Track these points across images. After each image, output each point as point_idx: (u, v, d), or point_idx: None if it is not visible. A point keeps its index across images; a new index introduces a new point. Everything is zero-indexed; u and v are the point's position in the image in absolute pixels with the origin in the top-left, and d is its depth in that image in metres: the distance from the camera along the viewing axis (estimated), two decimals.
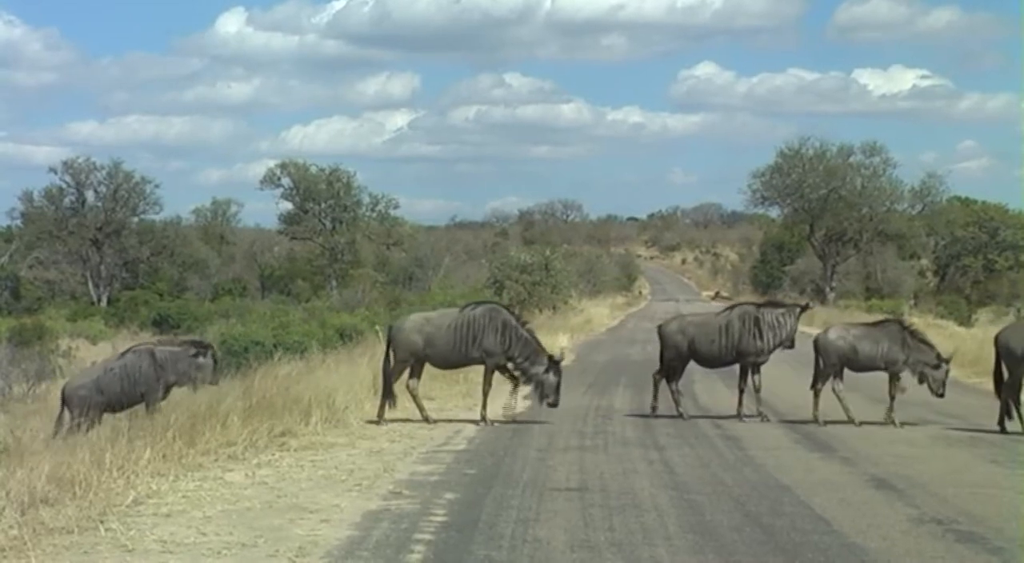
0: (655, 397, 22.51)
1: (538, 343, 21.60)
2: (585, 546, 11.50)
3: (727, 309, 22.96)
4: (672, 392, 22.36)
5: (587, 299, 78.66)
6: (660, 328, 22.95)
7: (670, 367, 22.49)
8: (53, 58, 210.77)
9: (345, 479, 15.21)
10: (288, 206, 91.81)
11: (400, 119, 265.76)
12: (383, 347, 22.79)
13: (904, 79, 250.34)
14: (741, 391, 22.01)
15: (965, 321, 61.24)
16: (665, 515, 13.01)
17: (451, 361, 21.88)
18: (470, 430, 20.44)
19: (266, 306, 67.14)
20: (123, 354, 20.77)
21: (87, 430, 18.47)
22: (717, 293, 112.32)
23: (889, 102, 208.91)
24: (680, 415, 21.80)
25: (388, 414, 21.29)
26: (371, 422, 20.95)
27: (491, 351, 21.28)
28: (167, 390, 20.10)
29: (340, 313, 54.39)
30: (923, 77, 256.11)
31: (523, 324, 21.69)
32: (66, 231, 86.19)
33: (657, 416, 21.84)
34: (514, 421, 21.61)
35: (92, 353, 44.46)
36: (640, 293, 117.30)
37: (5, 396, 32.65)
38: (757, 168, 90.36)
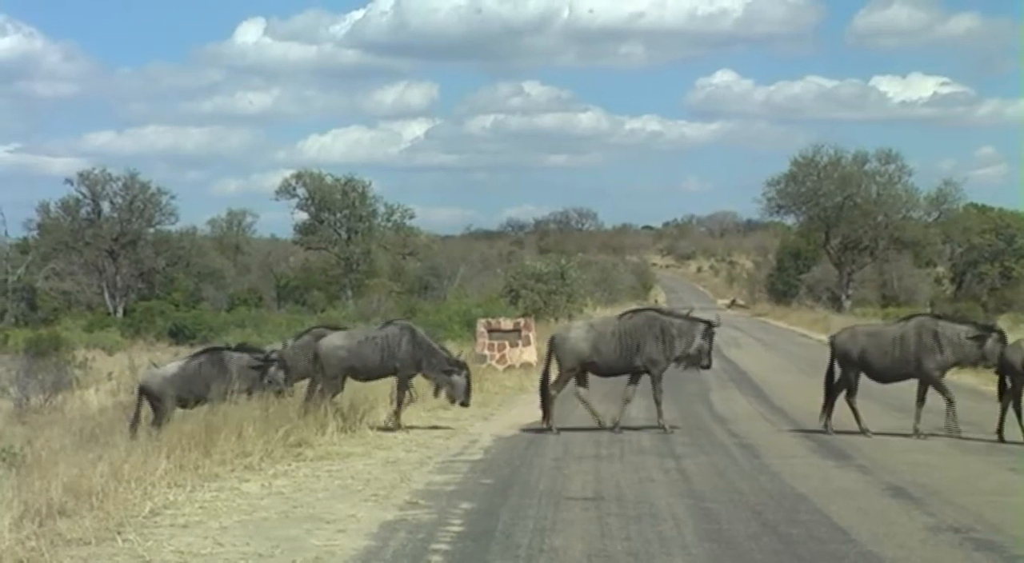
0: (829, 414, 21.10)
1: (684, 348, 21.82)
2: (602, 555, 11.49)
3: (903, 319, 21.77)
4: (851, 406, 20.98)
5: (602, 308, 78.44)
6: (832, 339, 21.88)
7: (843, 380, 21.15)
8: (71, 69, 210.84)
9: (361, 489, 15.22)
10: (303, 216, 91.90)
11: (417, 128, 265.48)
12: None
13: (924, 86, 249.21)
14: (921, 403, 20.59)
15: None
16: (682, 524, 13.00)
17: (615, 369, 22.03)
18: (486, 440, 20.44)
19: (282, 316, 67.24)
20: (197, 355, 21.80)
21: (164, 422, 19.68)
22: (733, 301, 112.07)
23: (908, 109, 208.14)
24: (863, 432, 20.50)
25: (405, 421, 21.41)
26: (541, 429, 21.32)
27: (655, 359, 21.47)
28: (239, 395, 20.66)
29: (356, 323, 54.39)
30: (943, 84, 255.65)
31: (674, 324, 21.88)
32: (82, 242, 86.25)
33: (674, 426, 21.77)
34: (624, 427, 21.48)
35: (108, 364, 44.52)
36: (655, 301, 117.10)
37: (22, 407, 32.71)
38: (772, 176, 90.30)
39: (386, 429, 21.25)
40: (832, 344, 21.57)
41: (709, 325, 22.00)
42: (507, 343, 37.56)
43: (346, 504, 14.16)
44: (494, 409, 23.13)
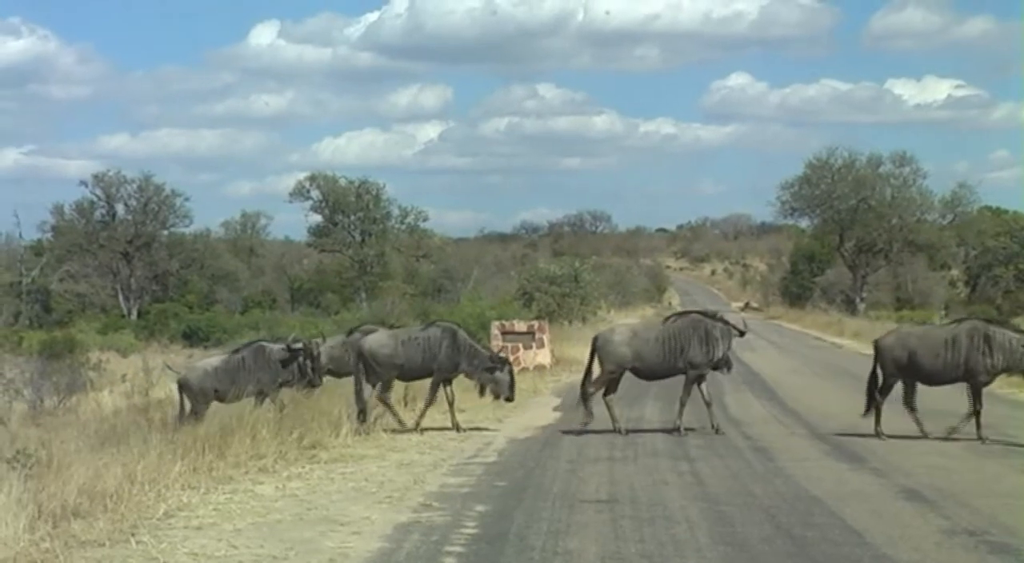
0: (877, 419, 20.75)
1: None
2: (616, 558, 11.48)
3: (954, 322, 21.60)
4: (909, 411, 20.70)
5: (616, 310, 78.54)
6: (877, 342, 21.45)
7: (888, 383, 20.93)
8: (86, 72, 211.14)
9: (375, 491, 15.23)
10: (317, 218, 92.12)
11: (431, 131, 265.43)
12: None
13: (938, 89, 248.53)
14: (977, 413, 20.21)
15: None
16: (696, 527, 12.98)
17: (657, 373, 22.10)
18: (500, 442, 20.44)
19: (295, 319, 67.22)
20: (238, 349, 22.29)
21: (201, 418, 20.34)
22: (747, 304, 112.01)
23: (923, 112, 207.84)
24: (924, 435, 20.21)
25: (423, 423, 21.48)
26: (569, 432, 21.43)
27: (696, 363, 21.52)
28: (279, 387, 21.53)
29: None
30: (958, 87, 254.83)
31: (716, 327, 21.90)
32: (96, 244, 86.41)
33: (689, 428, 21.74)
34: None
35: (122, 366, 44.52)
36: (669, 304, 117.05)
37: (36, 409, 32.72)
38: (786, 179, 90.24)
39: (401, 430, 21.27)
40: (878, 347, 21.19)
41: (740, 333, 22.10)
42: (521, 345, 37.58)
43: (360, 506, 14.17)
44: (508, 411, 23.10)
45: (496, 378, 21.95)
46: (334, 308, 78.43)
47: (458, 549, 11.89)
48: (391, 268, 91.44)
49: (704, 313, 23.05)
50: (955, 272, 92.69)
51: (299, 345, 21.89)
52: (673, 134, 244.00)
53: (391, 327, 23.92)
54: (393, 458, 18.32)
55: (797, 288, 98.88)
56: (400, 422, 21.69)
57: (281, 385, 21.62)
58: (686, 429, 21.41)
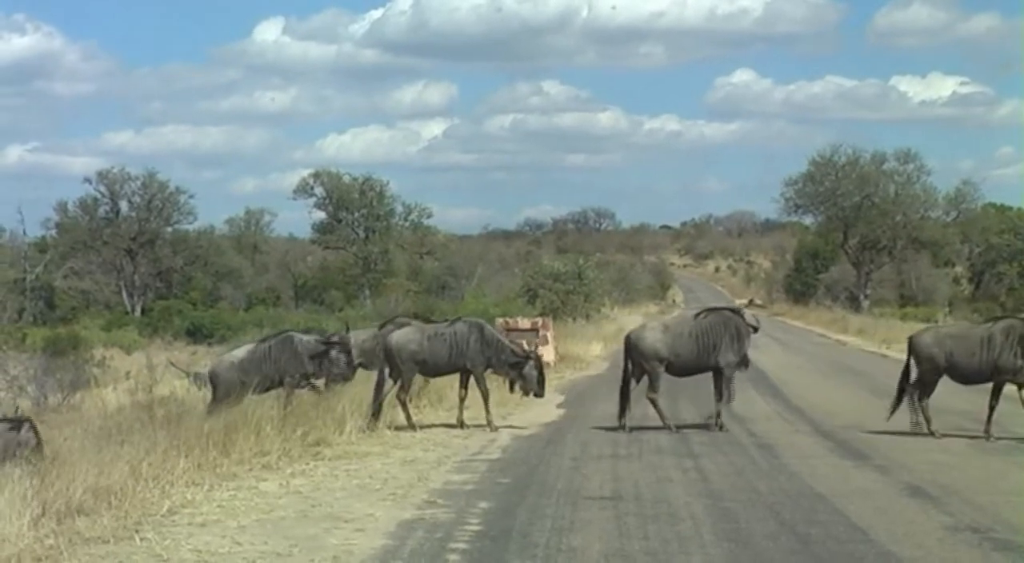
0: (920, 413, 20.49)
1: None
2: (620, 555, 11.48)
3: (990, 321, 21.33)
4: (921, 409, 20.48)
5: (620, 308, 78.48)
6: (913, 339, 21.18)
7: (924, 382, 20.58)
8: (91, 69, 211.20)
9: (379, 488, 15.23)
10: (321, 215, 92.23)
11: (436, 128, 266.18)
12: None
13: (943, 86, 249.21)
14: (991, 409, 20.02)
15: None
16: (700, 524, 12.98)
17: (690, 369, 22.03)
18: (504, 439, 20.44)
19: (299, 316, 67.20)
20: (266, 338, 22.51)
21: (224, 408, 20.15)
22: (751, 301, 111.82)
23: (928, 109, 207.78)
24: (932, 434, 20.06)
25: (421, 421, 21.46)
26: (613, 428, 21.34)
27: (729, 359, 21.55)
28: (305, 378, 21.64)
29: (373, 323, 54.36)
30: (963, 84, 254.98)
31: (751, 330, 21.94)
32: (100, 241, 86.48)
33: (690, 425, 21.72)
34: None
35: (126, 363, 44.59)
36: (673, 301, 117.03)
37: (40, 406, 32.74)
38: (790, 176, 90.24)
39: (406, 427, 21.27)
40: (913, 345, 20.93)
41: (753, 329, 22.15)
42: (524, 342, 37.49)
43: (364, 503, 14.17)
44: (512, 408, 23.09)
45: (524, 374, 21.84)
46: (338, 305, 78.43)
47: (462, 546, 11.89)
48: (395, 265, 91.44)
49: (733, 310, 23.05)
50: (959, 269, 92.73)
51: (337, 338, 22.01)
52: (678, 131, 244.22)
53: (426, 320, 23.72)
54: (397, 455, 18.32)
55: (801, 285, 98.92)
56: (411, 424, 21.56)
57: (305, 377, 21.60)
58: (678, 427, 21.34)
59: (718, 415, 21.53)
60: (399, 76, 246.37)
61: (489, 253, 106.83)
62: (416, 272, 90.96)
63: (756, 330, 22.11)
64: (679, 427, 21.29)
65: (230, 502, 14.03)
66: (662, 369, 21.70)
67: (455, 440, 20.27)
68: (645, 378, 21.77)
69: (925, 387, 20.56)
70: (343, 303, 79.92)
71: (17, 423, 18.10)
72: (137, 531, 12.19)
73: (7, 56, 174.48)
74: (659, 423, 21.59)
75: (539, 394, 22.19)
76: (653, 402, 21.70)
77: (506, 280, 79.46)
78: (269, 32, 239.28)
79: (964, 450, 18.91)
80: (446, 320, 23.41)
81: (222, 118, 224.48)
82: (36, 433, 17.81)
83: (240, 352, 22.45)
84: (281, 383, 21.41)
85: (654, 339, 21.77)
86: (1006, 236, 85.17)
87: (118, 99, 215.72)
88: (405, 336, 22.13)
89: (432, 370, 22.34)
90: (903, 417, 20.86)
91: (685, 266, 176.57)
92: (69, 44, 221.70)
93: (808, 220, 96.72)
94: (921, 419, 20.35)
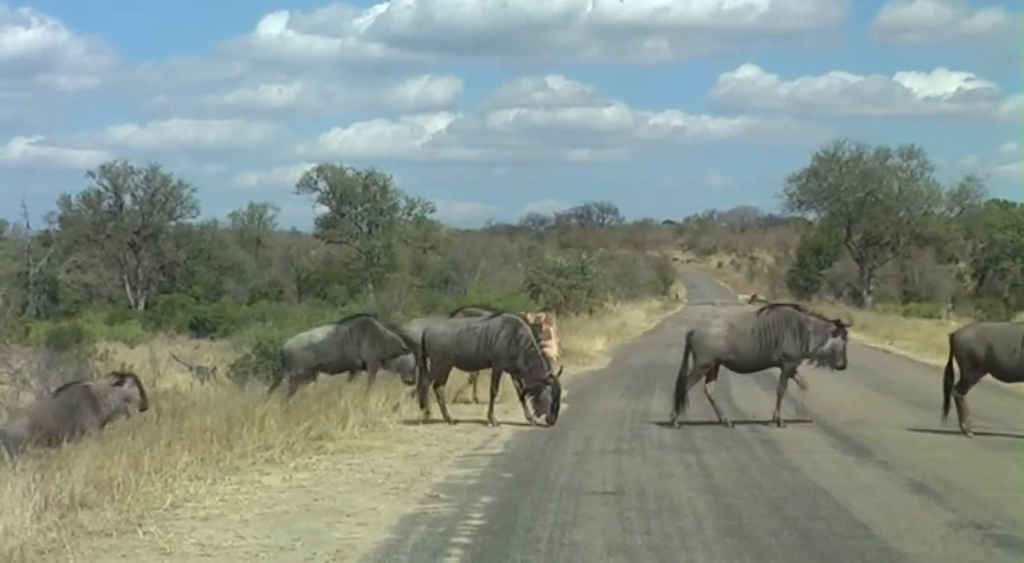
0: (961, 412, 20.23)
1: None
2: (622, 550, 11.48)
3: None
4: (960, 409, 20.25)
5: (623, 303, 78.44)
6: (954, 336, 21.05)
7: (963, 379, 20.38)
8: (95, 62, 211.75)
9: (382, 483, 15.24)
10: (324, 210, 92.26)
11: (440, 122, 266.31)
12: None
13: (948, 82, 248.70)
14: None
15: None
16: (702, 519, 12.98)
17: (752, 365, 22.06)
18: (507, 434, 20.44)
19: (303, 310, 67.12)
20: (342, 322, 24.28)
21: (302, 387, 22.31)
22: (754, 297, 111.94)
23: (932, 105, 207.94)
24: (964, 432, 19.84)
25: (428, 416, 21.47)
26: (664, 423, 21.41)
27: (791, 355, 21.49)
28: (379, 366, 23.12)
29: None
30: (968, 80, 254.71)
31: (810, 321, 21.79)
32: (103, 235, 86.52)
33: (694, 422, 21.70)
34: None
35: (129, 357, 44.51)
36: (676, 297, 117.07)
37: (43, 399, 32.73)
38: (793, 172, 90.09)
39: (413, 422, 21.28)
40: (954, 342, 20.78)
41: (839, 324, 21.91)
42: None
43: (367, 497, 14.18)
44: (515, 403, 23.03)
45: (539, 397, 21.44)
46: (341, 299, 78.35)
47: (464, 540, 11.90)
48: (398, 259, 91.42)
49: (797, 306, 22.97)
50: (962, 265, 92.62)
51: (407, 347, 22.90)
52: (682, 126, 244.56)
53: (496, 312, 23.63)
54: (400, 449, 18.33)
55: (804, 281, 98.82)
56: (446, 417, 21.52)
57: (393, 356, 22.94)
58: (682, 422, 21.34)
59: (800, 410, 21.61)
60: (403, 70, 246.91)
61: (492, 248, 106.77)
62: (419, 267, 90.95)
63: (841, 324, 21.84)
64: (682, 423, 21.29)
65: (233, 496, 14.05)
66: (713, 366, 21.73)
67: (458, 435, 20.28)
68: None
69: (964, 384, 20.41)
70: (346, 297, 79.82)
71: (121, 378, 19.07)
72: (140, 524, 12.21)
73: (12, 49, 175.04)
74: (663, 419, 21.62)
75: (550, 421, 21.34)
76: (710, 398, 21.70)
77: (509, 275, 79.46)
78: (273, 26, 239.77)
79: (967, 447, 18.89)
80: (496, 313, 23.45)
81: (226, 112, 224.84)
82: (140, 387, 18.89)
83: (319, 333, 23.73)
84: (360, 366, 22.87)
85: (718, 335, 21.76)
86: (1009, 232, 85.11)
87: (122, 93, 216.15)
88: (436, 330, 22.20)
89: (463, 363, 22.37)
90: (905, 415, 20.87)
91: (688, 261, 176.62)
92: (74, 38, 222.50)
93: (811, 216, 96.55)
94: (966, 421, 20.16)
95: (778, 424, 21.11)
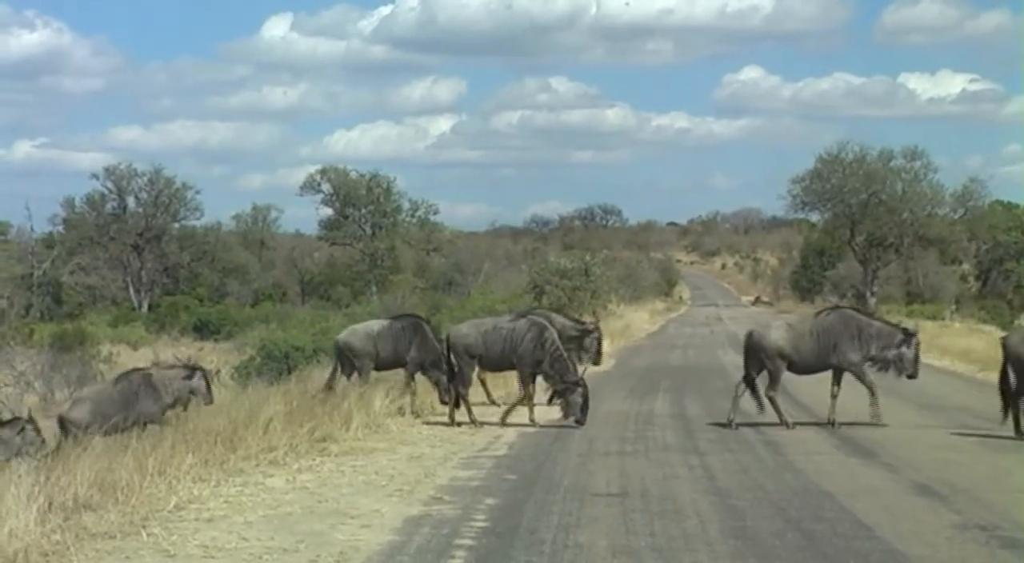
0: (1016, 419, 19.92)
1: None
2: (626, 552, 11.47)
3: None
4: (1016, 415, 19.95)
5: (627, 304, 78.45)
6: (1004, 340, 20.92)
7: (1020, 384, 19.90)
8: (100, 64, 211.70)
9: (386, 484, 15.23)
10: (328, 212, 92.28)
11: (443, 124, 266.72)
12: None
13: (952, 83, 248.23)
14: None
15: (1007, 326, 60.84)
16: (706, 521, 12.97)
17: (812, 367, 21.93)
18: (511, 435, 20.43)
19: (306, 312, 67.26)
20: (396, 318, 24.70)
21: (359, 382, 22.80)
22: (757, 298, 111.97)
23: (936, 106, 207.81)
24: (1020, 435, 19.61)
25: (429, 417, 21.51)
26: (719, 424, 21.49)
27: (851, 359, 21.38)
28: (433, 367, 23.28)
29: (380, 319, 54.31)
30: (972, 81, 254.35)
31: (872, 325, 21.71)
32: (107, 237, 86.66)
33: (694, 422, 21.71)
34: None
35: (133, 359, 44.57)
36: (680, 298, 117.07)
37: (47, 401, 32.82)
38: (797, 173, 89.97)
39: (451, 423, 21.30)
40: (1006, 347, 20.58)
41: (907, 332, 21.64)
42: None
43: (370, 499, 14.17)
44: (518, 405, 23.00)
45: (568, 399, 21.32)
46: (345, 301, 78.42)
47: (468, 542, 11.89)
48: (402, 261, 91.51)
49: (857, 309, 22.84)
50: (966, 266, 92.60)
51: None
52: (685, 128, 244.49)
53: (522, 314, 23.73)
54: (403, 451, 18.32)
55: (808, 282, 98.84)
56: (472, 419, 21.52)
57: (432, 364, 23.04)
58: (705, 423, 21.36)
59: (874, 410, 21.28)
60: (407, 72, 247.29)
61: (496, 250, 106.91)
62: (423, 268, 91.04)
63: (907, 332, 21.70)
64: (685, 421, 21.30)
65: (237, 498, 14.04)
66: (784, 367, 21.66)
67: (461, 436, 20.27)
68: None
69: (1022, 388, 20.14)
70: (350, 299, 79.90)
71: (192, 371, 19.62)
72: (144, 526, 12.20)
73: (16, 52, 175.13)
74: (665, 420, 21.59)
75: (580, 422, 21.24)
76: (772, 400, 21.59)
77: (513, 276, 79.56)
78: (278, 28, 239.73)
79: (971, 448, 18.88)
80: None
81: (230, 114, 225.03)
82: (207, 381, 19.63)
83: (375, 325, 24.14)
84: (400, 364, 23.28)
85: (778, 337, 21.69)
86: (1013, 233, 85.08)
87: (126, 95, 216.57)
88: (461, 331, 22.24)
89: (489, 364, 22.41)
90: (906, 414, 20.84)
91: (692, 263, 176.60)
92: (78, 40, 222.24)
93: (815, 217, 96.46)
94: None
95: (833, 425, 21.01)
